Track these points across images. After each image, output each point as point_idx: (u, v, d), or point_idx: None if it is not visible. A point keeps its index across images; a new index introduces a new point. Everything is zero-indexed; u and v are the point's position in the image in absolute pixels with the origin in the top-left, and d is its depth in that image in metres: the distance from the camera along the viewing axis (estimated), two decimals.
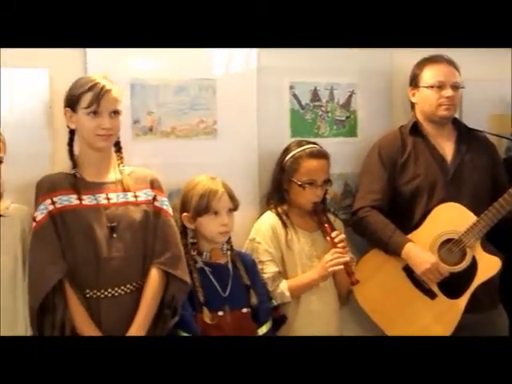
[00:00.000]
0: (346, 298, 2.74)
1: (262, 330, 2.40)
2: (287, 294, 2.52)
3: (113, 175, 2.27)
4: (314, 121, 2.86)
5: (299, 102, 2.83)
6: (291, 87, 2.81)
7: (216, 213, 2.36)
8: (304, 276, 2.57)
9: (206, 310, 2.30)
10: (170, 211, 2.32)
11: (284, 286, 2.52)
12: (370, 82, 2.95)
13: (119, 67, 2.44)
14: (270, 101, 2.76)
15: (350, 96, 2.93)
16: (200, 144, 2.63)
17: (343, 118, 2.92)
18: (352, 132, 2.95)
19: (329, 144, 2.73)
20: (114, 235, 2.19)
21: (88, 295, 2.16)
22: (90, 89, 2.15)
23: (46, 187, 2.19)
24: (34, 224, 2.15)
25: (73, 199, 2.18)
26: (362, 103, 2.95)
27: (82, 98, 2.16)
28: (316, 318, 2.58)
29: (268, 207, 2.66)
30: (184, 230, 2.43)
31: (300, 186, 2.57)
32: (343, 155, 2.85)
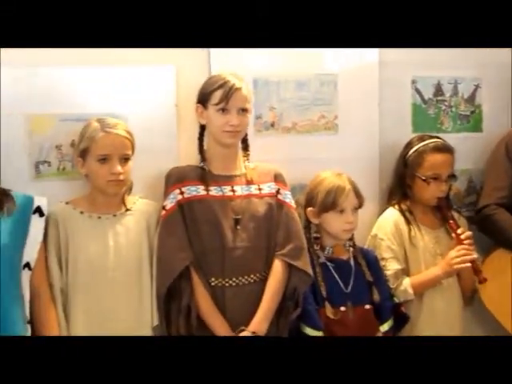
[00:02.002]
0: (470, 297, 2.65)
1: (384, 328, 2.36)
2: (410, 291, 2.46)
3: (238, 169, 2.32)
4: (437, 116, 2.79)
5: (422, 97, 2.77)
6: (413, 81, 2.75)
7: (342, 210, 2.34)
8: (427, 272, 2.51)
9: (328, 305, 2.29)
10: (293, 204, 2.34)
11: (407, 283, 2.47)
12: (496, 74, 2.84)
13: (242, 64, 2.47)
14: (392, 95, 2.71)
15: (475, 90, 2.84)
16: (321, 139, 2.62)
17: (467, 113, 2.84)
18: (477, 127, 2.85)
19: (452, 139, 2.66)
20: (238, 226, 2.23)
21: (213, 283, 2.22)
22: (221, 86, 2.21)
23: (175, 178, 2.26)
24: (164, 212, 2.23)
25: (200, 190, 2.24)
26: (487, 97, 2.85)
27: (213, 94, 2.22)
28: (439, 318, 2.51)
29: (390, 203, 2.62)
30: (308, 225, 2.43)
31: (424, 180, 2.51)
32: (467, 151, 2.76)
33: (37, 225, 2.12)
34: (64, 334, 2.14)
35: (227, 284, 2.21)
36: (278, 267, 2.25)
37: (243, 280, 2.22)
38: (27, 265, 2.09)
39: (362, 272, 2.38)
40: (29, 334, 2.06)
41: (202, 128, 2.33)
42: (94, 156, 2.18)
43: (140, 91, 2.41)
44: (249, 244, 2.23)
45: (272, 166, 2.37)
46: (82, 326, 2.15)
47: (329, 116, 2.63)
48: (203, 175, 2.26)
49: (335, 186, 2.35)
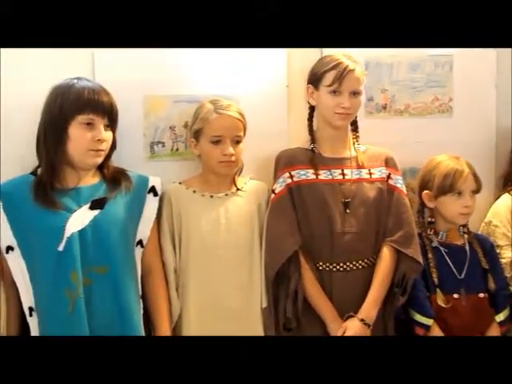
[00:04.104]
0: None
1: (500, 318, 2.29)
2: None
3: (348, 152, 2.29)
4: None
5: None
6: None
7: (459, 193, 2.30)
8: None
9: (439, 293, 2.25)
10: (404, 190, 2.29)
11: None
12: None
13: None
14: (511, 77, 2.59)
15: None
16: (434, 122, 2.55)
17: None
18: None
19: None
20: (348, 211, 2.21)
21: (321, 267, 2.21)
22: (334, 68, 2.18)
23: (285, 161, 2.26)
24: (273, 196, 2.24)
25: (309, 174, 2.23)
26: None
27: (325, 76, 2.19)
28: None
29: (505, 189, 2.52)
30: (422, 209, 2.39)
31: None
32: None
33: (151, 204, 2.19)
34: (176, 313, 2.20)
35: (335, 269, 2.20)
36: (387, 254, 2.22)
37: (351, 265, 2.20)
38: (140, 242, 2.16)
39: (478, 259, 2.32)
40: (141, 308, 2.13)
41: (312, 109, 2.32)
42: (207, 137, 2.20)
43: (251, 73, 2.42)
44: (358, 229, 2.20)
45: (383, 149, 2.32)
46: (194, 303, 2.20)
47: (443, 98, 2.55)
48: (313, 158, 2.25)
49: (453, 168, 2.30)
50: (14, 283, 2.04)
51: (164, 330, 2.15)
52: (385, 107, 2.53)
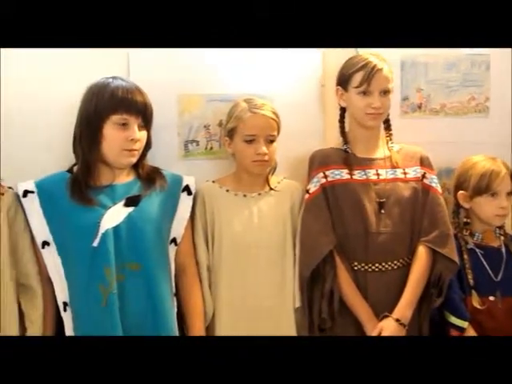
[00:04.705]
0: None
1: None
2: None
3: (381, 152, 2.27)
4: None
5: None
6: None
7: (495, 194, 2.27)
8: None
9: (474, 294, 2.22)
10: (440, 189, 2.27)
11: None
12: None
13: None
14: None
15: None
16: (471, 122, 2.53)
17: None
18: None
19: None
20: (382, 211, 2.19)
21: (356, 267, 2.19)
22: (362, 68, 2.17)
23: (319, 161, 2.25)
24: (307, 196, 2.23)
25: (344, 174, 2.22)
26: None
27: (353, 76, 2.18)
28: None
29: None
30: (457, 209, 2.37)
31: None
32: None
33: (185, 202, 2.19)
34: (210, 311, 2.20)
35: (370, 269, 2.18)
36: (422, 254, 2.19)
37: (386, 265, 2.18)
38: (173, 240, 2.17)
39: None
40: (175, 306, 2.14)
41: (343, 110, 2.30)
42: (240, 136, 2.20)
43: (286, 72, 2.41)
44: (392, 229, 2.18)
45: (418, 148, 2.30)
46: (226, 302, 2.20)
47: (479, 98, 2.53)
48: (347, 158, 2.24)
49: (490, 169, 2.27)
50: (49, 278, 2.07)
51: (198, 328, 2.15)
52: (420, 107, 2.51)
